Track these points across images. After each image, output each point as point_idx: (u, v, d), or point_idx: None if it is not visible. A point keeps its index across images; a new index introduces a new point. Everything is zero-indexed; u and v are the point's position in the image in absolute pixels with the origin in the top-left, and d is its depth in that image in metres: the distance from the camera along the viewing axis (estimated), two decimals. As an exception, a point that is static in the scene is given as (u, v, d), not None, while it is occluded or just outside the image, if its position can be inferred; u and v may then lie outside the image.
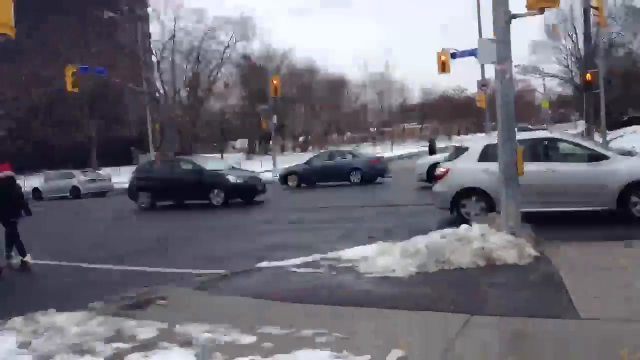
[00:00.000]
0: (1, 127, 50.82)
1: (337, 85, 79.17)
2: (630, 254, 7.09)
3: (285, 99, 66.81)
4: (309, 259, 8.12)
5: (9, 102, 50.64)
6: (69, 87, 25.85)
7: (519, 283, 6.04)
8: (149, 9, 63.90)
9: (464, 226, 7.56)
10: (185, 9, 54.18)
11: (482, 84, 28.20)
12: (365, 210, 14.38)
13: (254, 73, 60.52)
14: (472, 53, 28.62)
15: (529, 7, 7.30)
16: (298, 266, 7.64)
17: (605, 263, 6.65)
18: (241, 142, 79.85)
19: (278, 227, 12.79)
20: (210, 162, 21.97)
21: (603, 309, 4.94)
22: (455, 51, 28.49)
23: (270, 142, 41.94)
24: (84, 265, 9.66)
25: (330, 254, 8.17)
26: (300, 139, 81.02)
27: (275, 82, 31.01)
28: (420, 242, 7.30)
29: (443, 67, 28.12)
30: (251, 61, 62.73)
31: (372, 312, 5.43)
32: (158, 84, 61.58)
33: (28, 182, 32.02)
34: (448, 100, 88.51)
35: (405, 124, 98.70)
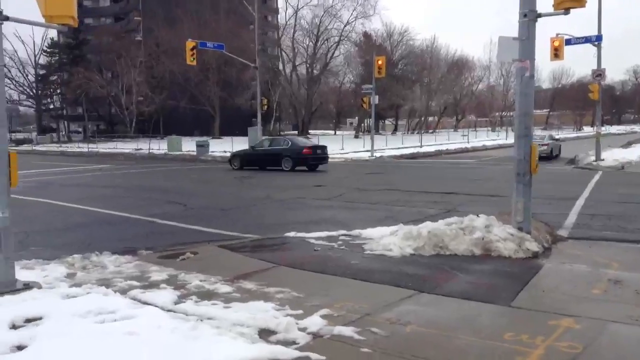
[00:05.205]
0: (140, 95, 56.64)
1: (459, 66, 77.09)
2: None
3: (402, 79, 66.71)
4: (334, 233, 8.95)
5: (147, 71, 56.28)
6: (188, 61, 28.45)
7: (493, 272, 6.39)
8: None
9: (470, 216, 7.90)
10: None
11: (597, 74, 26.41)
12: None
13: (372, 51, 61.25)
14: (588, 40, 27.00)
15: (555, 7, 7.37)
16: (317, 239, 8.50)
17: (601, 260, 6.76)
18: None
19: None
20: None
21: (535, 302, 5.24)
22: (570, 37, 26.97)
23: (369, 122, 42.40)
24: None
25: (354, 231, 8.93)
26: (416, 120, 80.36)
27: (379, 62, 31.41)
28: (425, 227, 7.79)
29: (556, 54, 26.82)
30: (370, 39, 63.22)
31: (343, 280, 6.17)
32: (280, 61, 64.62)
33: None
34: (583, 87, 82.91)
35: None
